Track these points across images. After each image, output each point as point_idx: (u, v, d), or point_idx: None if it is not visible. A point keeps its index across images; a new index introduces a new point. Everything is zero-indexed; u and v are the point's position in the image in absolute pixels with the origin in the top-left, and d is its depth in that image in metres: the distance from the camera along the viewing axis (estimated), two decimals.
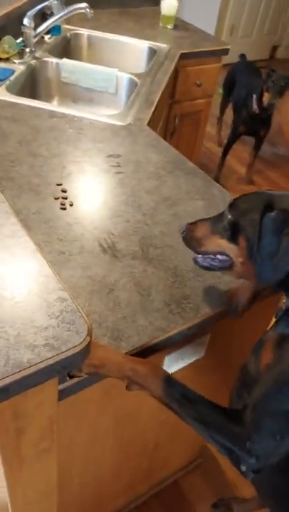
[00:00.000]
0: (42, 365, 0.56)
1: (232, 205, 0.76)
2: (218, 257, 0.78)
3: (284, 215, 0.69)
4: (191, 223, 0.83)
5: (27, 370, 0.56)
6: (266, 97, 2.53)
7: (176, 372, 0.95)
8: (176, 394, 0.72)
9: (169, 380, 0.72)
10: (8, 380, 0.54)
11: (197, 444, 1.45)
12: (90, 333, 0.61)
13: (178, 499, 1.46)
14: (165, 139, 1.61)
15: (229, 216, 0.75)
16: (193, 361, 0.98)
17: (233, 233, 0.74)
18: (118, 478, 1.17)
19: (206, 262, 0.80)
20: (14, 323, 0.60)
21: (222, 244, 0.76)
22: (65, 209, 1.04)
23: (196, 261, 0.82)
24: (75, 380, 0.72)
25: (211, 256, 0.79)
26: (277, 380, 0.70)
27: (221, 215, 0.78)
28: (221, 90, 3.14)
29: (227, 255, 0.77)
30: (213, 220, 0.80)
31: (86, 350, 0.60)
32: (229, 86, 2.99)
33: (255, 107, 2.61)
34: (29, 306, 0.63)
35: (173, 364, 0.92)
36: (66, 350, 0.58)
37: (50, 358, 0.57)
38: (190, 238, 0.81)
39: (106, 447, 1.00)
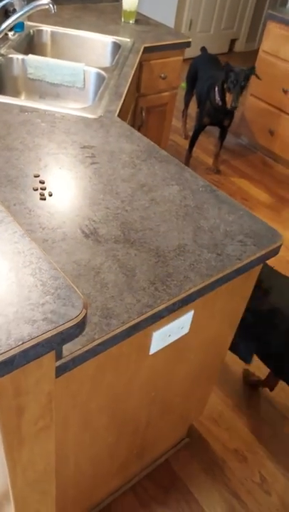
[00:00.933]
0: (42, 338, 0.59)
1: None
2: None
3: None
4: None
5: (29, 343, 0.58)
6: (228, 98, 2.61)
7: (163, 347, 0.99)
8: None
9: None
10: (12, 353, 0.57)
11: (185, 422, 1.50)
12: (85, 306, 0.64)
13: (170, 478, 1.51)
14: None
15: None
16: (179, 337, 1.02)
17: None
18: (112, 458, 1.21)
19: None
20: (11, 302, 0.63)
21: None
22: (44, 199, 1.07)
23: None
24: (70, 356, 0.75)
25: None
26: None
27: None
28: (184, 84, 3.20)
29: None
30: None
31: (83, 322, 0.63)
32: (192, 79, 3.06)
33: (218, 99, 2.68)
34: (25, 286, 0.66)
35: (160, 340, 0.96)
36: (64, 323, 0.61)
37: (49, 330, 0.60)
38: None
39: (100, 426, 1.03)
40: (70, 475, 1.09)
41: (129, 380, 0.99)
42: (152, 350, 0.97)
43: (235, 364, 1.91)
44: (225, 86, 2.61)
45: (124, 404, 1.06)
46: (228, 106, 2.61)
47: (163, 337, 0.96)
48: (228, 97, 2.61)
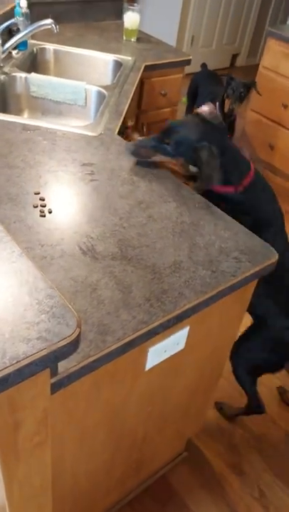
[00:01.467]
0: (37, 356, 0.61)
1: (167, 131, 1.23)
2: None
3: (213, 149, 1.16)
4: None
5: (23, 361, 0.60)
6: (227, 104, 2.66)
7: (159, 363, 1.01)
8: None
9: None
10: (6, 371, 0.59)
11: (183, 437, 1.51)
12: (79, 325, 0.66)
13: (168, 492, 1.51)
14: None
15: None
16: (174, 353, 1.03)
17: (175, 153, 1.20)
18: (110, 473, 1.21)
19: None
20: (7, 321, 0.65)
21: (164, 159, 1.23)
22: (44, 216, 1.09)
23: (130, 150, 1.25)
24: (66, 373, 0.77)
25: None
26: None
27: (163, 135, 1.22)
28: (185, 99, 3.25)
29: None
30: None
31: (77, 340, 0.65)
32: (193, 94, 3.10)
33: (218, 113, 2.72)
34: (20, 304, 0.68)
35: (156, 356, 0.98)
36: (58, 341, 0.63)
37: (44, 349, 0.62)
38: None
39: (97, 442, 1.04)
40: (67, 490, 1.10)
41: (125, 395, 1.00)
42: (148, 366, 0.98)
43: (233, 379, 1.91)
44: (224, 94, 2.67)
45: (121, 419, 1.07)
46: (226, 110, 2.67)
47: (158, 353, 0.97)
48: (227, 102, 2.67)
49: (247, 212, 1.27)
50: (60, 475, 1.03)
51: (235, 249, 1.07)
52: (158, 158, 1.28)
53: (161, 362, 1.02)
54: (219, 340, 1.20)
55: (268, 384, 1.88)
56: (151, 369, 1.00)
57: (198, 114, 1.27)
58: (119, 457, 1.20)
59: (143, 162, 1.30)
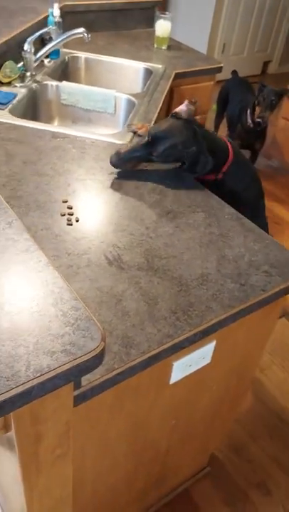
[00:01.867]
0: (60, 370, 0.60)
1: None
2: None
3: None
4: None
5: (47, 375, 0.59)
6: (257, 111, 2.63)
7: (184, 377, 0.99)
8: None
9: None
10: (30, 384, 0.58)
11: (206, 451, 1.48)
12: (104, 339, 0.65)
13: (189, 508, 1.47)
14: None
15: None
16: (200, 368, 1.01)
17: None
18: (131, 486, 1.19)
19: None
20: (32, 332, 0.64)
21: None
22: (71, 225, 1.09)
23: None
24: (89, 385, 0.75)
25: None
26: None
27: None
28: (215, 106, 3.22)
29: None
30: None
31: (101, 354, 0.64)
32: (223, 102, 3.08)
33: (249, 121, 2.69)
34: (46, 316, 0.67)
35: (181, 370, 0.95)
36: (82, 355, 0.62)
37: (67, 362, 0.61)
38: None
39: (119, 454, 1.03)
40: (87, 503, 1.08)
41: (149, 409, 0.98)
42: (172, 380, 0.96)
43: (259, 392, 1.86)
44: (255, 101, 2.64)
45: (144, 432, 1.05)
46: (256, 117, 2.63)
47: (183, 367, 0.95)
48: (257, 110, 2.64)
49: (227, 192, 1.30)
50: (81, 487, 1.01)
51: (265, 263, 1.04)
52: (142, 166, 1.30)
53: (186, 376, 0.99)
54: (246, 354, 1.16)
55: None
56: (175, 383, 0.98)
57: (176, 115, 1.24)
58: (141, 470, 1.18)
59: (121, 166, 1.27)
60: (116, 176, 1.28)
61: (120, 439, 0.99)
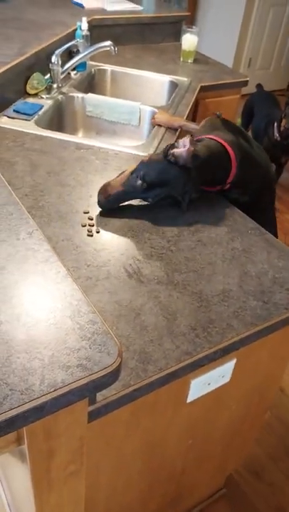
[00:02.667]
0: (75, 385, 0.58)
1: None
2: None
3: None
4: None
5: (61, 390, 0.58)
6: (284, 123, 2.61)
7: (202, 395, 0.96)
8: None
9: None
10: (43, 399, 0.56)
11: (224, 472, 1.43)
12: (120, 355, 0.63)
13: None
14: None
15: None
16: (218, 386, 0.98)
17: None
18: (145, 505, 1.16)
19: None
20: (48, 345, 0.63)
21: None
22: (92, 236, 1.08)
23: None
24: (104, 401, 0.74)
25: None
26: None
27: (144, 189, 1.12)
28: (239, 120, 3.21)
29: None
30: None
31: (117, 370, 0.62)
32: (247, 116, 3.06)
33: (276, 134, 2.67)
34: (62, 328, 0.66)
35: (199, 388, 0.93)
36: (98, 371, 0.60)
37: (82, 378, 0.59)
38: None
39: (134, 472, 1.00)
40: None
41: (165, 427, 0.96)
42: (190, 398, 0.93)
43: (280, 413, 1.81)
44: (282, 114, 2.62)
45: (160, 450, 1.02)
46: (282, 128, 2.61)
47: (202, 385, 0.92)
48: (284, 122, 2.62)
49: (233, 201, 1.26)
50: (94, 505, 0.99)
51: None
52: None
53: (205, 394, 0.97)
54: (268, 374, 1.13)
55: None
56: (193, 401, 0.95)
57: (174, 159, 1.10)
58: (156, 489, 1.15)
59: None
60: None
61: (135, 457, 0.97)
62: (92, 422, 0.75)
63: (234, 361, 0.95)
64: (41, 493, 0.78)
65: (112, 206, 1.16)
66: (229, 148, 1.19)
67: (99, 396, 0.74)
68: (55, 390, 0.57)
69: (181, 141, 1.11)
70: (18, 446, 0.72)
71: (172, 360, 0.81)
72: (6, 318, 0.66)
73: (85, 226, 1.11)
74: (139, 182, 1.12)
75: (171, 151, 1.11)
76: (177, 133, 1.58)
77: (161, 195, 1.14)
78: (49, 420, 0.63)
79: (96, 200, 1.17)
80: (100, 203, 1.15)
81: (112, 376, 0.62)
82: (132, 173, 1.15)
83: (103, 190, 1.15)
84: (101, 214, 1.15)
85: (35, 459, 0.69)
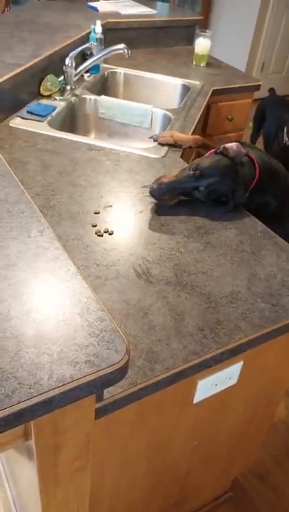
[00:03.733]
0: (83, 381, 0.59)
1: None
2: None
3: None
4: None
5: (69, 385, 0.59)
6: None
7: (209, 397, 0.96)
8: None
9: None
10: (51, 393, 0.57)
11: (230, 475, 1.43)
12: (128, 352, 0.64)
13: None
14: None
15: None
16: (225, 388, 0.98)
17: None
18: (149, 506, 1.16)
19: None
20: (57, 341, 0.64)
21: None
22: (102, 236, 1.09)
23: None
24: (111, 399, 0.74)
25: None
26: None
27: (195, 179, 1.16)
28: (251, 124, 3.21)
29: None
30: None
31: (125, 367, 0.63)
32: (259, 120, 3.06)
33: (286, 139, 2.66)
34: (71, 325, 0.67)
35: (205, 389, 0.93)
36: (106, 367, 0.61)
37: (90, 374, 0.60)
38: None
39: (138, 471, 1.01)
40: None
41: (171, 427, 0.96)
42: (196, 399, 0.93)
43: (286, 417, 1.80)
44: None
45: (165, 450, 1.03)
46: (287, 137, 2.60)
47: (208, 386, 0.93)
48: None
49: (252, 207, 1.27)
50: (98, 503, 0.99)
51: None
52: (178, 198, 1.22)
53: (211, 396, 0.97)
54: (275, 377, 1.13)
55: None
56: (199, 402, 0.96)
57: (224, 151, 1.20)
58: (160, 490, 1.15)
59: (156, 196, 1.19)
60: (148, 189, 1.28)
61: (140, 457, 0.97)
62: (99, 419, 0.76)
63: (241, 363, 0.95)
64: (47, 489, 0.78)
65: (164, 195, 1.18)
66: (250, 155, 1.27)
67: (106, 394, 0.75)
68: (63, 385, 0.58)
69: (229, 144, 1.22)
70: (25, 441, 0.73)
71: (179, 360, 0.82)
72: (16, 313, 0.67)
73: (95, 226, 1.12)
74: (192, 171, 1.17)
75: (222, 146, 1.20)
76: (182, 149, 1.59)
77: (212, 186, 1.17)
78: (56, 415, 0.64)
79: (106, 200, 1.18)
80: (151, 191, 1.18)
81: (120, 373, 0.62)
82: (186, 168, 1.21)
83: (157, 180, 1.18)
84: (112, 215, 1.16)
85: (42, 454, 0.70)
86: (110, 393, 0.75)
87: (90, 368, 0.61)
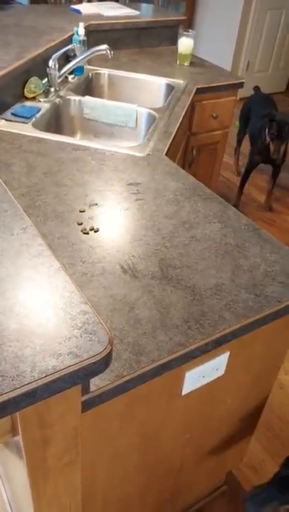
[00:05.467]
0: (65, 372, 0.60)
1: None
2: None
3: None
4: None
5: (52, 376, 0.59)
6: (271, 147, 2.62)
7: (196, 389, 0.97)
8: None
9: None
10: (34, 385, 0.58)
11: (224, 468, 1.44)
12: (111, 343, 0.65)
13: None
14: (184, 169, 1.67)
15: None
16: (213, 379, 0.99)
17: None
18: (143, 500, 1.17)
19: None
20: (40, 334, 0.65)
21: None
22: (87, 234, 1.10)
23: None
24: (98, 391, 0.75)
25: None
26: None
27: None
28: (237, 122, 3.23)
29: None
30: None
31: (108, 358, 0.64)
32: (245, 118, 3.08)
33: (268, 139, 2.68)
34: (54, 319, 0.67)
35: (193, 381, 0.94)
36: (88, 358, 0.62)
37: (73, 365, 0.61)
38: None
39: (130, 465, 1.01)
40: None
41: (161, 419, 0.97)
42: (185, 390, 0.94)
43: (279, 410, 1.81)
44: (267, 134, 2.62)
45: (156, 444, 1.03)
46: (271, 155, 2.62)
47: (196, 378, 0.94)
48: (271, 147, 2.63)
49: None
50: (91, 498, 1.00)
51: (281, 273, 1.02)
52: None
53: (200, 387, 0.98)
54: (263, 368, 1.14)
55: None
56: (188, 394, 0.97)
57: None
58: (153, 484, 1.16)
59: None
60: (134, 187, 1.29)
61: (131, 449, 0.98)
62: (86, 411, 0.77)
63: (227, 354, 0.96)
64: (37, 484, 0.79)
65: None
66: None
67: (93, 387, 0.76)
68: (46, 376, 0.59)
69: None
70: (13, 437, 0.73)
71: (165, 351, 0.83)
72: (0, 309, 0.68)
73: (81, 224, 1.13)
74: None
75: None
76: (172, 135, 1.60)
77: None
78: (42, 408, 0.65)
79: (92, 199, 1.19)
80: None
81: (103, 363, 0.63)
82: None
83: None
84: (97, 213, 1.17)
85: (30, 448, 0.71)
86: (97, 386, 0.76)
87: (73, 359, 0.61)
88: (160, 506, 1.28)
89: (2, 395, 0.56)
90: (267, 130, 2.62)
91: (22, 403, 0.58)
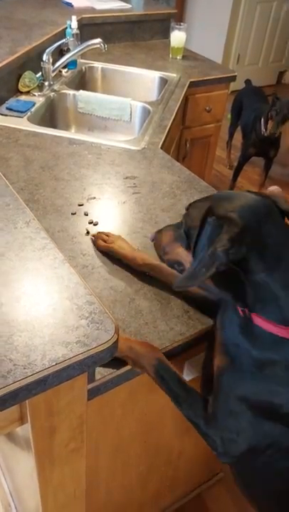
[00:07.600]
0: (75, 360, 0.62)
1: (186, 212, 0.76)
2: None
3: (218, 221, 0.66)
4: (159, 231, 0.84)
5: (62, 364, 0.61)
6: (270, 125, 2.64)
7: (196, 377, 0.99)
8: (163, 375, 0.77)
9: (161, 362, 0.77)
10: (45, 373, 0.60)
11: None
12: (117, 331, 0.66)
13: None
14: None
15: (184, 222, 0.75)
16: None
17: (188, 241, 0.73)
18: (144, 488, 1.20)
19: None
20: (49, 324, 0.66)
21: (180, 253, 0.76)
22: (87, 228, 1.11)
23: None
24: (103, 380, 0.77)
25: (175, 265, 0.81)
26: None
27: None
28: (229, 116, 3.25)
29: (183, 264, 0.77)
30: (177, 225, 0.80)
31: (114, 345, 0.66)
32: (237, 111, 3.10)
33: (263, 130, 2.70)
34: (61, 309, 0.69)
35: (193, 370, 0.96)
36: (96, 346, 0.64)
37: (82, 353, 0.63)
38: (156, 246, 0.85)
39: (132, 453, 1.04)
40: (100, 503, 1.09)
41: (162, 408, 0.99)
42: (186, 379, 0.96)
43: None
44: (269, 113, 2.65)
45: (157, 432, 1.06)
46: (267, 132, 2.64)
47: (195, 367, 0.96)
48: (270, 124, 2.65)
49: None
50: (95, 486, 1.02)
51: None
52: None
53: (199, 376, 1.00)
54: None
55: None
56: (189, 382, 0.99)
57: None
58: (154, 472, 1.18)
59: None
60: (131, 180, 1.31)
61: (133, 438, 1.00)
62: (91, 400, 0.79)
63: None
64: (44, 472, 0.81)
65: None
66: None
67: (97, 375, 0.78)
68: (56, 364, 0.61)
69: None
70: (20, 425, 0.75)
71: (166, 340, 0.85)
72: (7, 300, 0.70)
73: (74, 214, 1.14)
74: None
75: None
76: (167, 128, 1.62)
77: None
78: (51, 396, 0.67)
79: (90, 193, 1.20)
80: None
81: (110, 351, 0.65)
82: None
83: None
84: (96, 206, 1.19)
85: (38, 436, 0.73)
86: (101, 374, 0.78)
87: (82, 348, 0.63)
88: (160, 494, 1.31)
89: (15, 382, 0.58)
90: (270, 108, 2.64)
91: (33, 391, 0.60)
